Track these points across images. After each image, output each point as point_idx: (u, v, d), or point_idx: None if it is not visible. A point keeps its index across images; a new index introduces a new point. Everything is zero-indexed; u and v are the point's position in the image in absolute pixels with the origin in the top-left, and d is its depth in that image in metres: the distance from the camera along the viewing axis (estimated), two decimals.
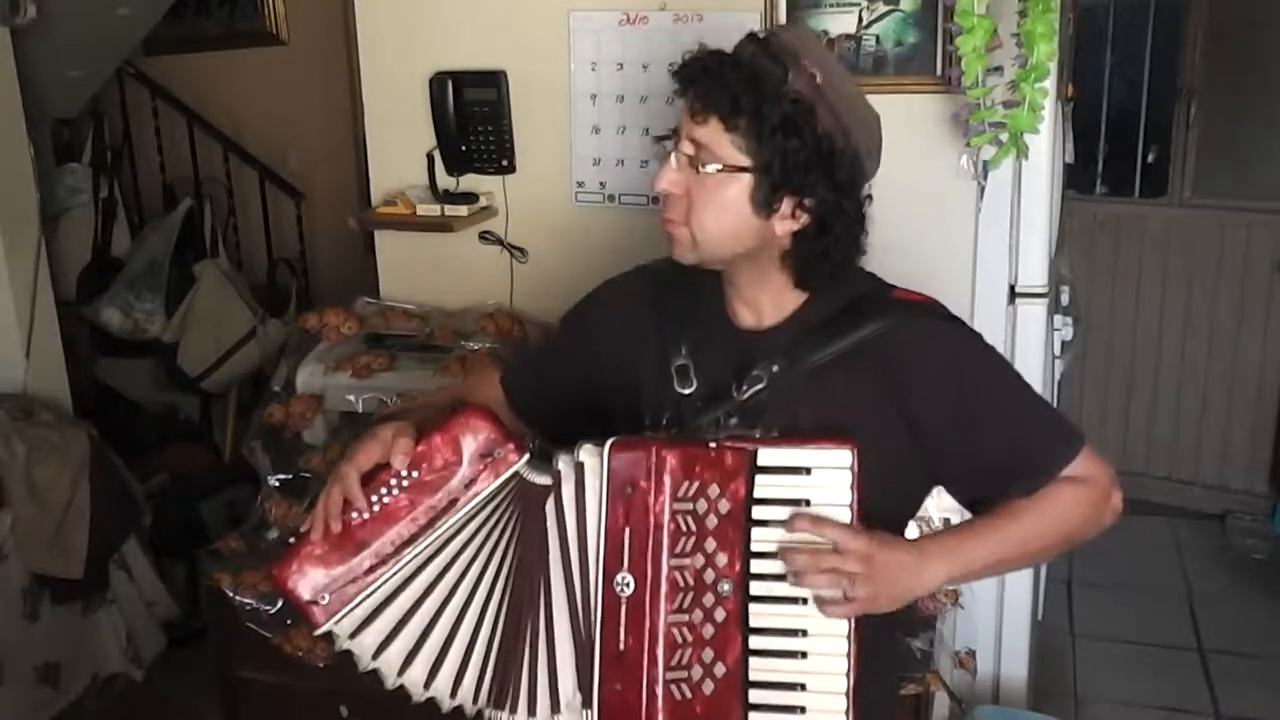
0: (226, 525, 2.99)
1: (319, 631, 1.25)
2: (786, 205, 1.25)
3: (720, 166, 1.24)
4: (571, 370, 1.47)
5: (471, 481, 1.24)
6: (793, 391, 1.28)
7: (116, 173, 4.02)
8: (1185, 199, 3.80)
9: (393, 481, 1.25)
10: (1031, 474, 1.30)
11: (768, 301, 1.33)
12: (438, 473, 1.25)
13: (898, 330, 1.28)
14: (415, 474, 1.25)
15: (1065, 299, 2.48)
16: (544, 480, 1.24)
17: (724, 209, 1.25)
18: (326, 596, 1.24)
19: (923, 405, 1.28)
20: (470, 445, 1.25)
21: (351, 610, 1.24)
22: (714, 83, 1.22)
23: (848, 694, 1.19)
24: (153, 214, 4.31)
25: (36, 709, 2.69)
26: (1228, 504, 3.83)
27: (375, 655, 1.26)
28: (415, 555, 1.24)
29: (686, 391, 1.32)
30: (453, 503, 1.24)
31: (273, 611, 2.04)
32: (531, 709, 1.23)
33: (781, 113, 1.21)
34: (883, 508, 1.25)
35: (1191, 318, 3.83)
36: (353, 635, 1.25)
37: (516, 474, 1.24)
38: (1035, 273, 2.07)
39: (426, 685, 1.26)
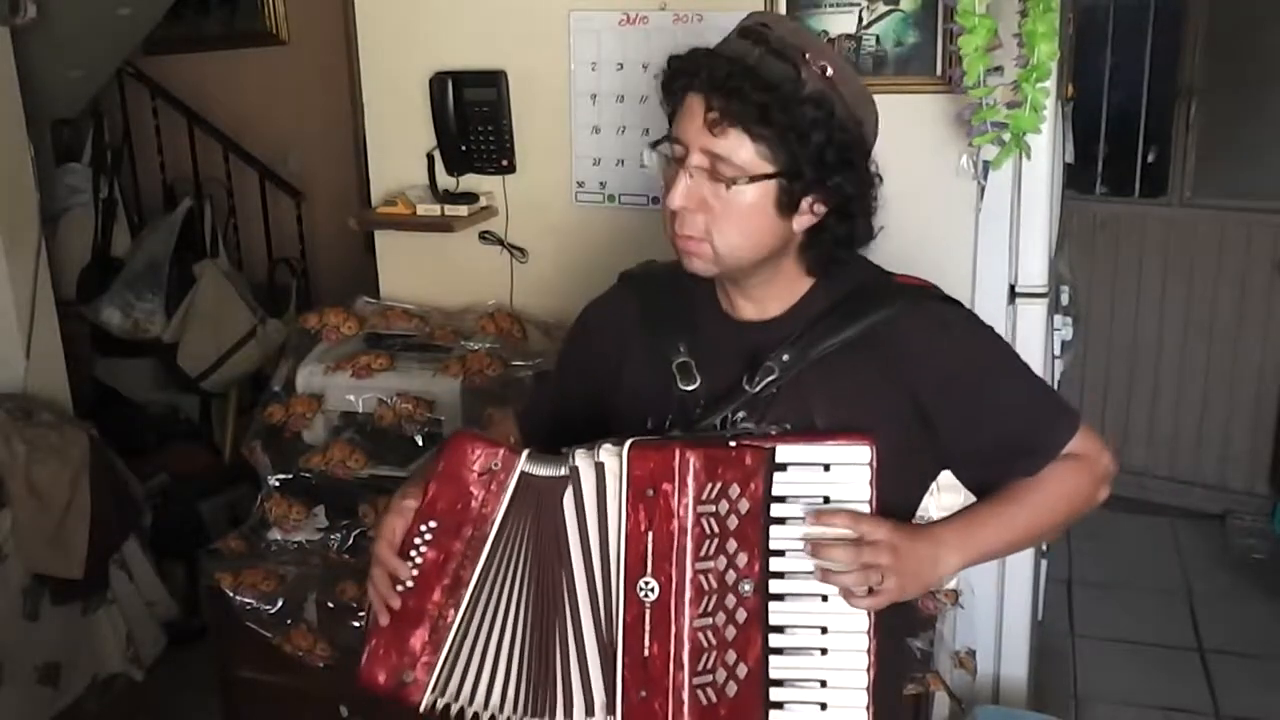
0: (226, 525, 3.00)
1: (424, 708, 1.26)
2: (807, 201, 1.23)
3: (748, 178, 1.19)
4: (580, 405, 1.44)
5: (486, 502, 1.23)
6: (803, 382, 1.26)
7: (116, 173, 4.01)
8: (1185, 199, 3.80)
9: (416, 541, 1.25)
10: (1036, 453, 1.30)
11: (774, 294, 1.30)
12: (452, 511, 1.24)
13: (902, 317, 1.27)
14: (433, 523, 1.25)
15: (1065, 299, 2.48)
16: (552, 472, 1.22)
17: (749, 219, 1.21)
18: (411, 674, 1.25)
19: (931, 392, 1.27)
20: (468, 470, 1.24)
21: (438, 673, 1.25)
22: (734, 94, 1.16)
23: (868, 689, 1.17)
24: (153, 214, 4.31)
25: (36, 709, 2.68)
26: (1228, 504, 3.82)
27: (458, 694, 1.26)
28: (471, 595, 1.24)
29: (690, 388, 1.30)
30: (481, 530, 1.24)
31: (273, 611, 2.04)
32: (568, 713, 1.22)
33: (808, 116, 1.17)
34: (893, 495, 1.24)
35: (1191, 318, 3.83)
36: (445, 691, 1.26)
37: (524, 474, 1.23)
38: (1035, 273, 2.07)
39: (486, 704, 1.26)
